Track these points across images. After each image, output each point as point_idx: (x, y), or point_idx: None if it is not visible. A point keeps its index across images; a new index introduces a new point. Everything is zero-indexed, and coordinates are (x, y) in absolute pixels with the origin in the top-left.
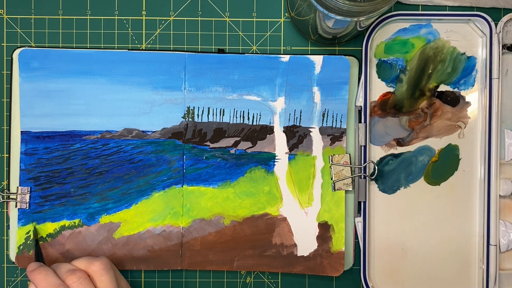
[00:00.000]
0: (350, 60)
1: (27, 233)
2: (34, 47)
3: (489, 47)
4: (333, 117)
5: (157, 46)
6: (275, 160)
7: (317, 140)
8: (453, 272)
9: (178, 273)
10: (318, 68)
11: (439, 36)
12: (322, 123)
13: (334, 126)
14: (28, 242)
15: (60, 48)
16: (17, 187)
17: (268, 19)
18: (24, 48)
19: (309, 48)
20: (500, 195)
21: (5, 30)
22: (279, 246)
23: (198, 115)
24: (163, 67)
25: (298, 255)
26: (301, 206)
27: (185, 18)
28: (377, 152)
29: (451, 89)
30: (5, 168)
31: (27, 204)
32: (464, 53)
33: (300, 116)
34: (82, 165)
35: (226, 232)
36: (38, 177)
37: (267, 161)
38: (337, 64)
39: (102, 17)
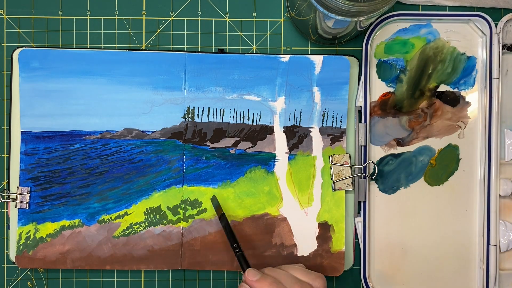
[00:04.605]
0: (350, 60)
1: (27, 233)
2: (34, 47)
3: (489, 47)
4: (333, 117)
5: (157, 46)
6: (275, 160)
7: (317, 140)
8: (453, 272)
9: (178, 273)
10: (318, 68)
11: (439, 36)
12: (322, 123)
13: (334, 126)
14: (28, 242)
15: (60, 48)
16: (17, 187)
17: (268, 19)
18: (24, 48)
19: (309, 48)
20: (500, 195)
21: (5, 30)
22: (279, 246)
23: (198, 115)
24: (163, 67)
25: (298, 255)
26: (301, 206)
27: (185, 18)
28: (377, 152)
29: (451, 89)
30: (5, 168)
31: (27, 204)
32: (464, 53)
33: (300, 116)
34: (82, 165)
35: None
36: (38, 177)
37: (267, 161)
38: (337, 64)
39: (102, 17)
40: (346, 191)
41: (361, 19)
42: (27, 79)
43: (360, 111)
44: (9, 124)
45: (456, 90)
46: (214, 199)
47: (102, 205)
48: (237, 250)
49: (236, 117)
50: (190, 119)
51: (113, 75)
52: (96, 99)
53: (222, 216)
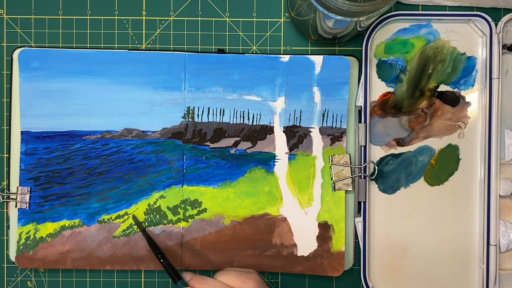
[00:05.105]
0: (350, 60)
1: (27, 233)
2: (34, 47)
3: (489, 47)
4: (333, 117)
5: (157, 46)
6: (275, 160)
7: (317, 140)
8: (453, 272)
9: None
10: (318, 68)
11: (439, 36)
12: (322, 123)
13: (334, 126)
14: (28, 242)
15: (60, 48)
16: (17, 187)
17: (268, 19)
18: (24, 48)
19: (309, 48)
20: (500, 195)
21: (5, 30)
22: (279, 246)
23: (198, 115)
24: (163, 67)
25: (298, 255)
26: (301, 206)
27: (185, 18)
28: (377, 152)
29: (451, 89)
30: (5, 168)
31: (27, 204)
32: (464, 53)
33: (300, 116)
34: (82, 165)
35: (226, 232)
36: (38, 177)
37: (267, 161)
38: (337, 64)
39: (102, 17)
40: (346, 191)
41: (361, 19)
42: (27, 79)
43: (360, 111)
44: (9, 124)
45: (456, 90)
46: (134, 218)
47: (102, 205)
48: (161, 260)
49: (236, 117)
50: (190, 119)
51: (113, 75)
52: (96, 99)
53: (143, 232)
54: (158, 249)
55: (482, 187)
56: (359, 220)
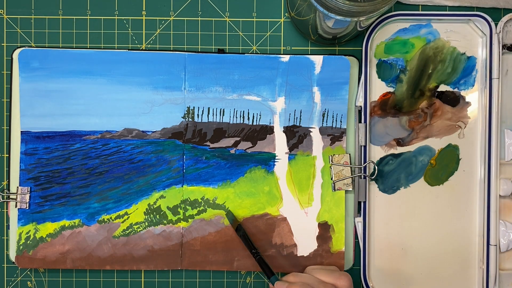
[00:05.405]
0: (350, 60)
1: (27, 233)
2: (34, 47)
3: (489, 47)
4: (333, 117)
5: (157, 46)
6: (275, 160)
7: (317, 140)
8: (453, 272)
9: (178, 273)
10: (318, 68)
11: (439, 36)
12: (322, 123)
13: (334, 126)
14: (28, 242)
15: (60, 48)
16: (17, 187)
17: (268, 19)
18: (24, 48)
19: (309, 48)
20: (500, 195)
21: (5, 30)
22: (279, 246)
23: (198, 115)
24: (163, 67)
25: (298, 255)
26: (301, 206)
27: (185, 18)
28: (377, 152)
29: (451, 89)
30: (5, 168)
31: (27, 204)
32: (464, 53)
33: (300, 116)
34: (82, 165)
35: (226, 232)
36: (38, 177)
37: (267, 161)
38: (337, 64)
39: (102, 17)
40: (346, 191)
41: (361, 19)
42: (27, 79)
43: (360, 111)
44: (9, 124)
45: (456, 90)
46: (229, 213)
47: (102, 205)
48: (256, 255)
49: (236, 117)
50: (190, 119)
51: (113, 75)
52: (96, 99)
53: (239, 227)
54: (252, 244)
55: (482, 187)
56: (359, 220)
